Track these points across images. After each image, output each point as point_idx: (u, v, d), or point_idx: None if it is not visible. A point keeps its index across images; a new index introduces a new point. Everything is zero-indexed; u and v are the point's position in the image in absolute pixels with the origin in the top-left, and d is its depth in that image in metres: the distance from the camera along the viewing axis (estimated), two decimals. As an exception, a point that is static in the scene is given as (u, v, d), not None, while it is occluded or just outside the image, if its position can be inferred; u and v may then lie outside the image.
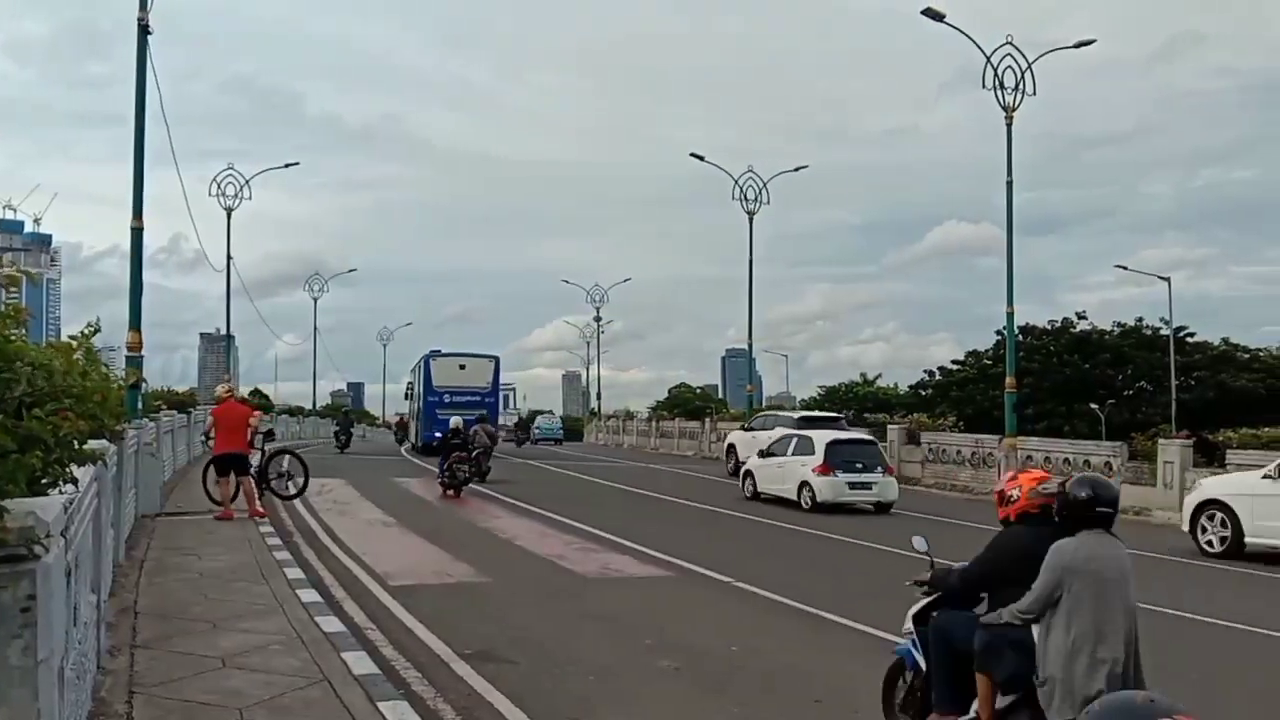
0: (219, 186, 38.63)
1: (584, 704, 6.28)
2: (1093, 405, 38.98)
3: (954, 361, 47.70)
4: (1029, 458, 22.75)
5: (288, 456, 15.30)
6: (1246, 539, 13.86)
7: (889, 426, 28.54)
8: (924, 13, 23.67)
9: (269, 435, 14.74)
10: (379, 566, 11.01)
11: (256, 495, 14.39)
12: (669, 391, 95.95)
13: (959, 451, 25.25)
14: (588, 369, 76.51)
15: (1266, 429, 21.70)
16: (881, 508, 18.94)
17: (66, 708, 4.19)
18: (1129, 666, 4.35)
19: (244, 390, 68.31)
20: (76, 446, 4.42)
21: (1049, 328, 44.69)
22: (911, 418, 30.82)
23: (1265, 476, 14.11)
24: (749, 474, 20.89)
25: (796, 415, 28.40)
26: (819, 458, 18.83)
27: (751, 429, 26.55)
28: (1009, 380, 24.74)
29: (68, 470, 4.33)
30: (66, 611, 4.41)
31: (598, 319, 65.35)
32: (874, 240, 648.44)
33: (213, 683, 6.00)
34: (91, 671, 5.61)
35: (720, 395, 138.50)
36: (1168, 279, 44.01)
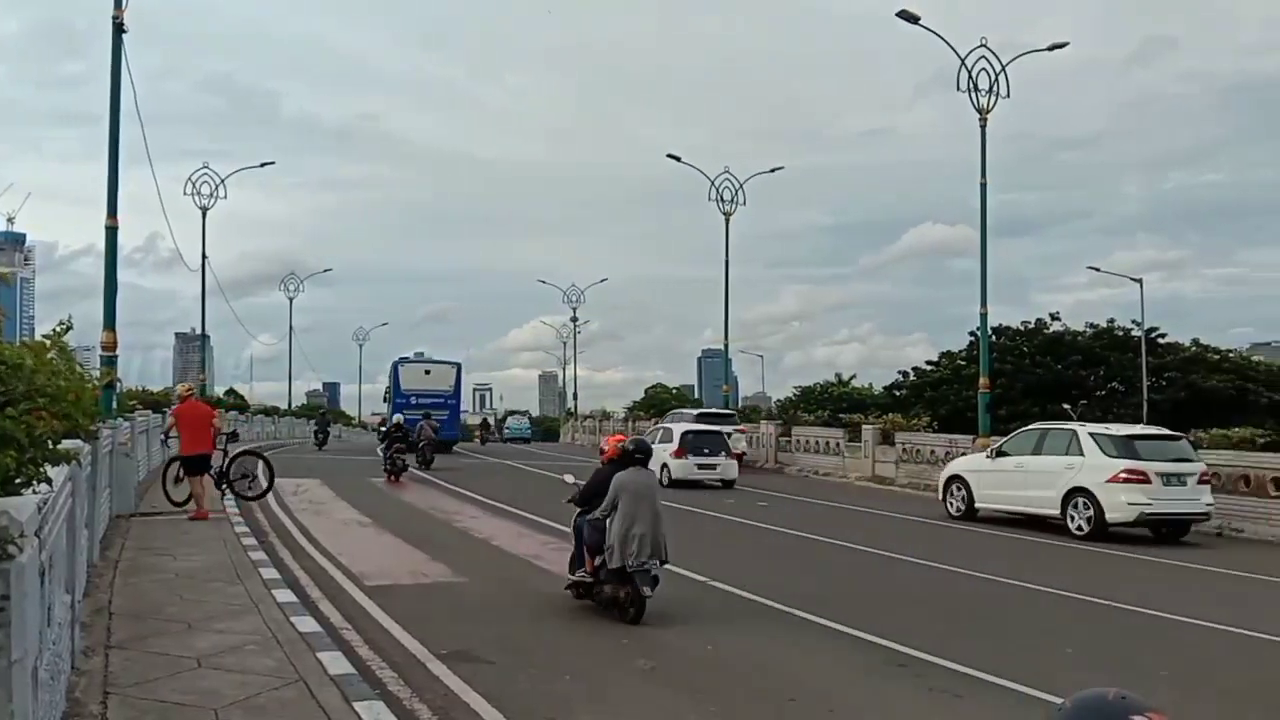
0: (194, 185, 38.43)
1: (560, 703, 6.30)
2: (1065, 406, 39.25)
3: (928, 362, 48.02)
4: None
5: (252, 458, 15.14)
6: (977, 505, 17.97)
7: (864, 427, 28.71)
8: (899, 15, 23.84)
9: (232, 436, 14.62)
10: (355, 566, 10.98)
11: (208, 497, 14.20)
12: (645, 392, 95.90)
13: (933, 451, 25.43)
14: (564, 369, 76.55)
15: (1236, 429, 22.05)
16: (726, 484, 23.57)
17: (41, 708, 4.17)
18: (655, 536, 8.79)
19: (219, 390, 67.86)
20: (50, 446, 4.42)
21: (1022, 329, 45.08)
22: (886, 418, 31.03)
23: (988, 457, 18.33)
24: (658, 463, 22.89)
25: (695, 413, 32.45)
26: (676, 444, 23.82)
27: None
28: (983, 381, 24.96)
29: (42, 470, 4.32)
30: (41, 612, 4.39)
31: (574, 319, 65.41)
32: (850, 241, 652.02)
33: (188, 683, 5.99)
34: (66, 672, 5.58)
35: (696, 395, 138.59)
36: (1139, 280, 44.59)
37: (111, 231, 16.10)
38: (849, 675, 7.29)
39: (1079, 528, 15.97)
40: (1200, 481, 16.10)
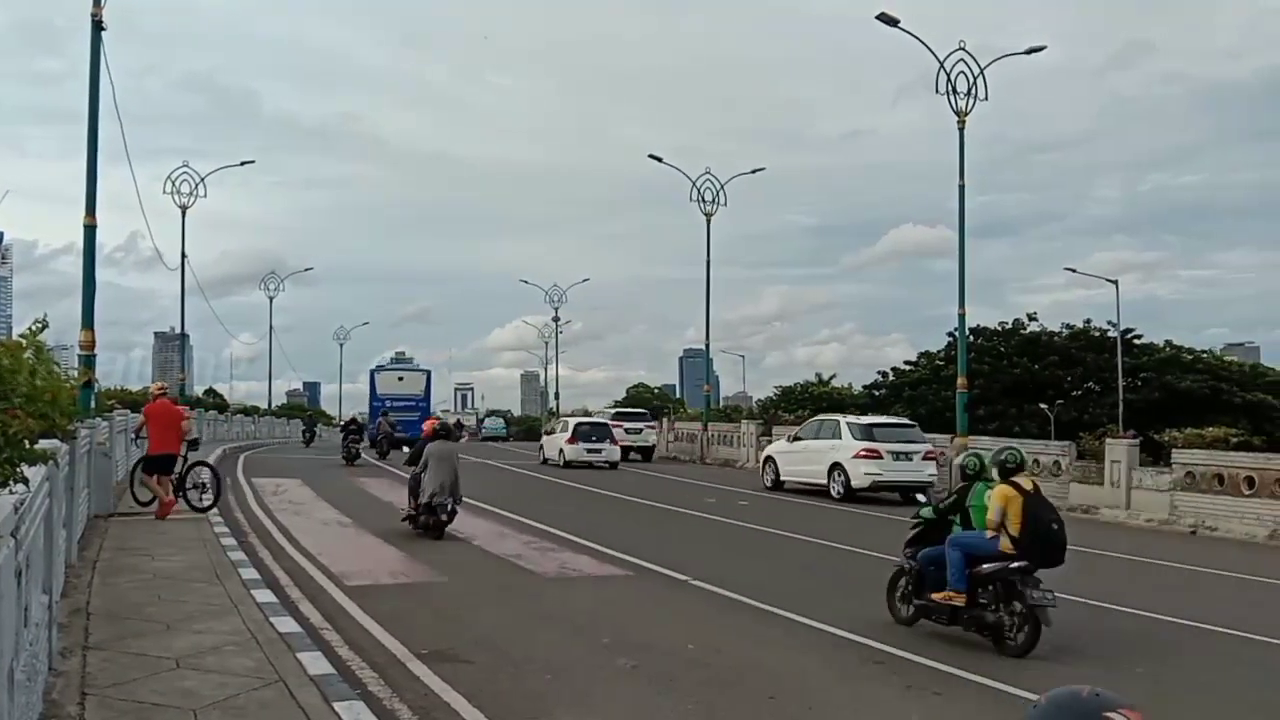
0: (174, 184, 38.15)
1: (541, 703, 6.32)
2: (1042, 405, 39.73)
3: (907, 362, 48.32)
4: (980, 457, 23.16)
5: (205, 469, 14.89)
6: (783, 478, 22.91)
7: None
8: (878, 18, 23.97)
9: (193, 444, 14.42)
10: (335, 567, 10.94)
11: (168, 495, 14.01)
12: (627, 391, 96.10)
13: (913, 451, 25.60)
14: (546, 369, 76.52)
15: (1210, 429, 22.35)
16: (611, 465, 29.22)
17: (17, 710, 4.16)
18: (451, 484, 13.38)
19: (199, 390, 67.27)
20: (27, 446, 4.40)
21: (1000, 329, 45.43)
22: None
23: (787, 441, 23.55)
24: (557, 449, 30.65)
25: (613, 411, 39.41)
26: (570, 434, 29.86)
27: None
28: (960, 380, 25.14)
29: (18, 470, 4.30)
30: (17, 612, 4.37)
31: (556, 319, 65.48)
32: (832, 242, 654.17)
33: (166, 684, 5.96)
34: (43, 673, 5.55)
35: (678, 395, 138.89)
36: (1115, 282, 45.03)
37: (90, 230, 15.95)
38: (828, 673, 7.35)
39: (837, 492, 20.80)
40: (925, 458, 21.01)
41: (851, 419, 23.14)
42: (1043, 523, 8.02)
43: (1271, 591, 11.95)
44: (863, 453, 20.62)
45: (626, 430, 34.01)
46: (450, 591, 10.02)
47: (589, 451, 29.31)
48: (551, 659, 7.36)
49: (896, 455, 20.76)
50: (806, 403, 44.70)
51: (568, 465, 28.75)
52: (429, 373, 45.91)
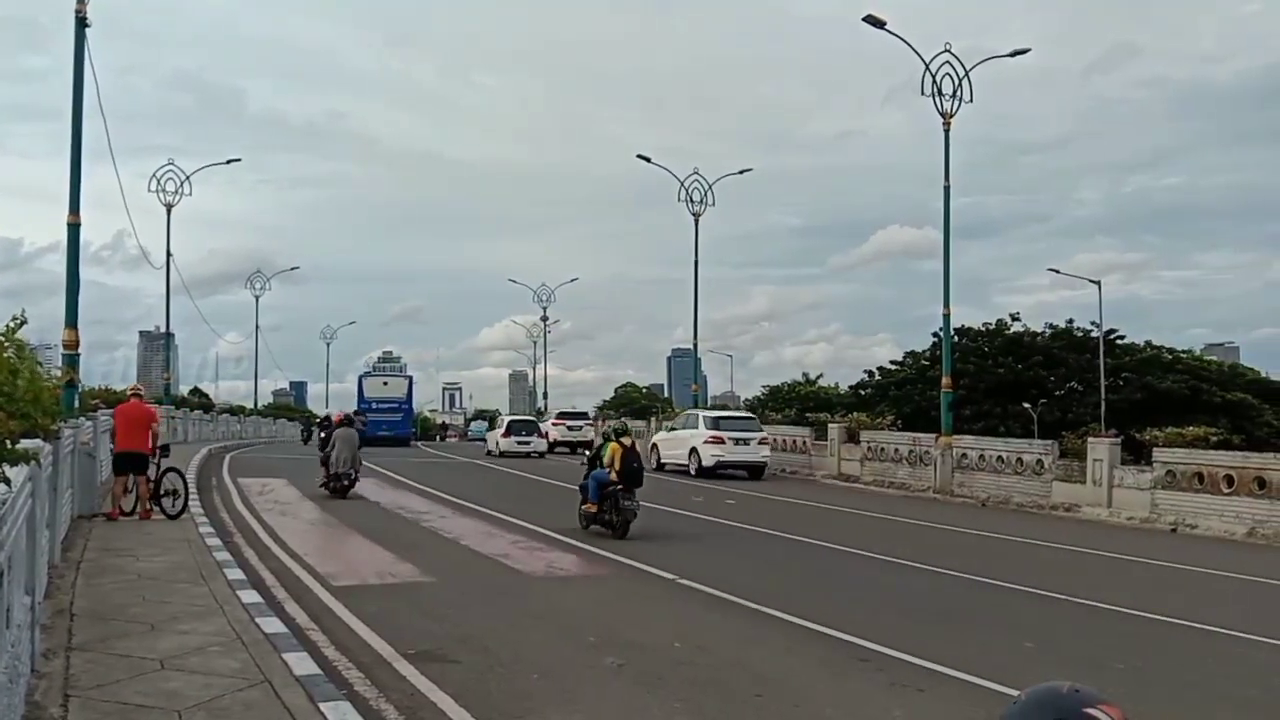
0: (159, 182, 38.01)
1: (528, 702, 6.33)
2: (1026, 405, 39.94)
3: (893, 362, 48.42)
4: (964, 455, 23.32)
5: (176, 475, 14.74)
6: (663, 460, 27.89)
7: (829, 425, 28.96)
8: (865, 19, 24.08)
9: (164, 450, 14.28)
10: (321, 567, 10.92)
11: (148, 497, 13.91)
12: (615, 391, 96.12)
13: (897, 450, 25.73)
14: (534, 368, 76.46)
15: (1190, 428, 22.54)
16: (539, 455, 34.89)
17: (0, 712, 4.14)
18: (352, 459, 18.66)
19: (184, 389, 66.89)
20: (8, 446, 4.39)
21: (984, 330, 45.64)
22: (851, 417, 31.34)
23: (666, 431, 29.33)
24: (495, 441, 36.84)
25: (557, 412, 46.80)
26: (503, 430, 36.63)
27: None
28: (945, 380, 25.29)
29: (0, 470, 4.29)
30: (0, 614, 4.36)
31: (544, 318, 65.49)
32: (819, 243, 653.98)
33: (151, 685, 5.93)
34: (25, 675, 5.52)
35: (666, 394, 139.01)
36: (1098, 282, 45.33)
37: (74, 228, 15.85)
38: (814, 671, 7.39)
39: (693, 470, 26.42)
40: (759, 443, 26.66)
41: (705, 412, 30.07)
42: (629, 464, 14.12)
43: (1250, 588, 12.08)
44: (710, 439, 26.16)
45: (569, 427, 40.59)
46: (437, 591, 10.02)
47: (519, 443, 35.42)
48: (539, 658, 7.37)
49: (737, 441, 26.26)
50: (794, 402, 44.84)
51: (502, 455, 34.77)
52: (411, 378, 52.23)
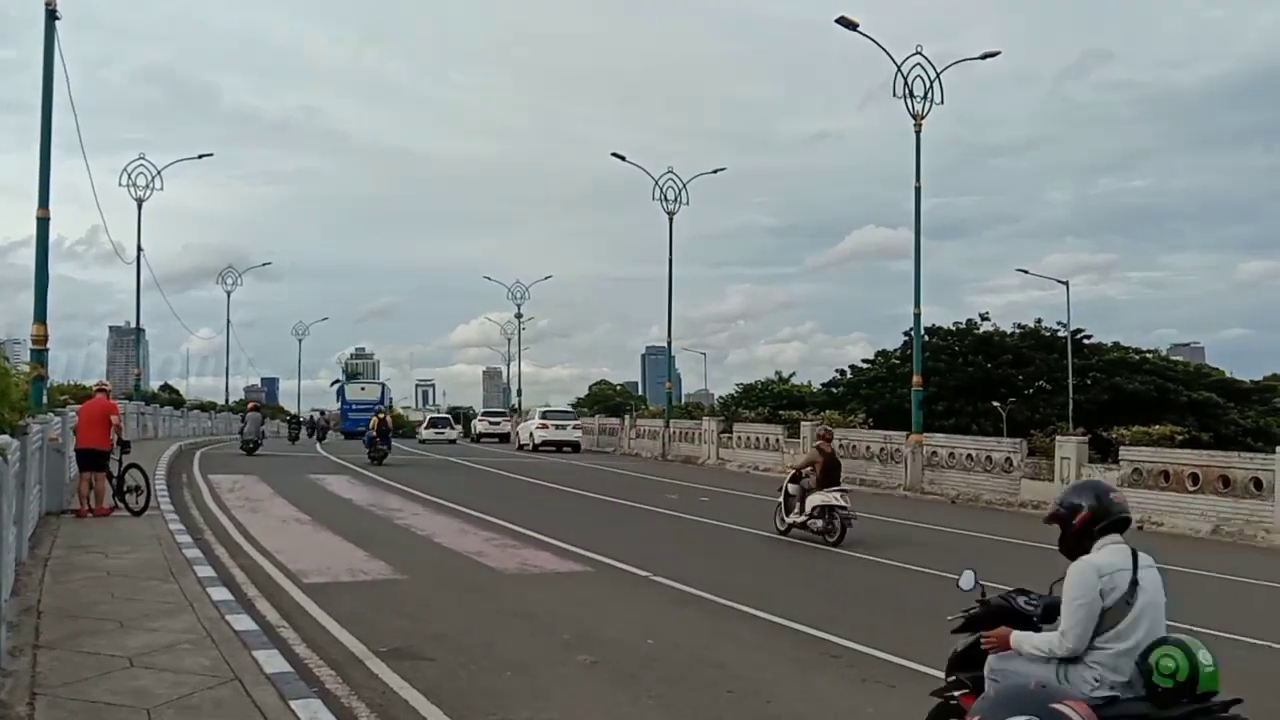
0: (129, 176, 37.67)
1: (501, 700, 6.34)
2: (995, 403, 40.37)
3: (864, 360, 48.81)
4: (934, 453, 23.55)
5: (138, 471, 14.61)
6: (522, 442, 40.88)
7: (802, 423, 29.13)
8: (838, 21, 24.22)
9: (125, 446, 14.16)
10: (293, 564, 10.87)
11: (108, 494, 13.78)
12: (590, 388, 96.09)
13: (868, 447, 25.94)
14: (508, 366, 76.31)
15: (1156, 426, 22.86)
16: (450, 442, 47.01)
17: (-31, 710, 4.11)
18: (257, 434, 30.72)
19: (154, 385, 66.17)
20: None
21: (954, 329, 46.06)
22: (823, 415, 31.54)
23: (537, 420, 40.61)
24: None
25: (485, 411, 70.06)
26: (426, 423, 54.04)
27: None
28: (916, 379, 25.50)
29: (-30, 467, 4.24)
30: (-31, 612, 4.31)
31: (519, 315, 65.48)
32: (794, 242, 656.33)
33: (119, 683, 5.89)
34: (-8, 674, 5.46)
35: (640, 392, 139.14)
36: (1066, 283, 45.91)
37: (43, 222, 15.66)
38: (785, 667, 7.45)
39: (528, 447, 39.33)
40: (574, 428, 40.23)
41: (541, 408, 44.53)
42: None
43: (1213, 584, 12.30)
44: (539, 426, 39.93)
45: (491, 422, 54.04)
46: (410, 589, 10.00)
47: (435, 434, 48.78)
48: (511, 656, 7.38)
49: (558, 426, 40.02)
50: (767, 400, 44.95)
51: (422, 443, 45.71)
52: (384, 384, 66.34)
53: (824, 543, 13.65)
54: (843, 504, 13.81)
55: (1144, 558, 3.69)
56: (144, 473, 14.63)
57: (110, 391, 16.06)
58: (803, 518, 14.06)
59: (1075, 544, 3.77)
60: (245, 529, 13.61)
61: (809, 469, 14.39)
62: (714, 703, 6.47)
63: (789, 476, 14.86)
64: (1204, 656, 3.29)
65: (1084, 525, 3.74)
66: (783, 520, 14.45)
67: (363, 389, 59.01)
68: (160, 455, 23.29)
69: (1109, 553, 3.66)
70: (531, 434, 39.55)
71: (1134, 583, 3.54)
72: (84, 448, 13.73)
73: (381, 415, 29.68)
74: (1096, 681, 3.21)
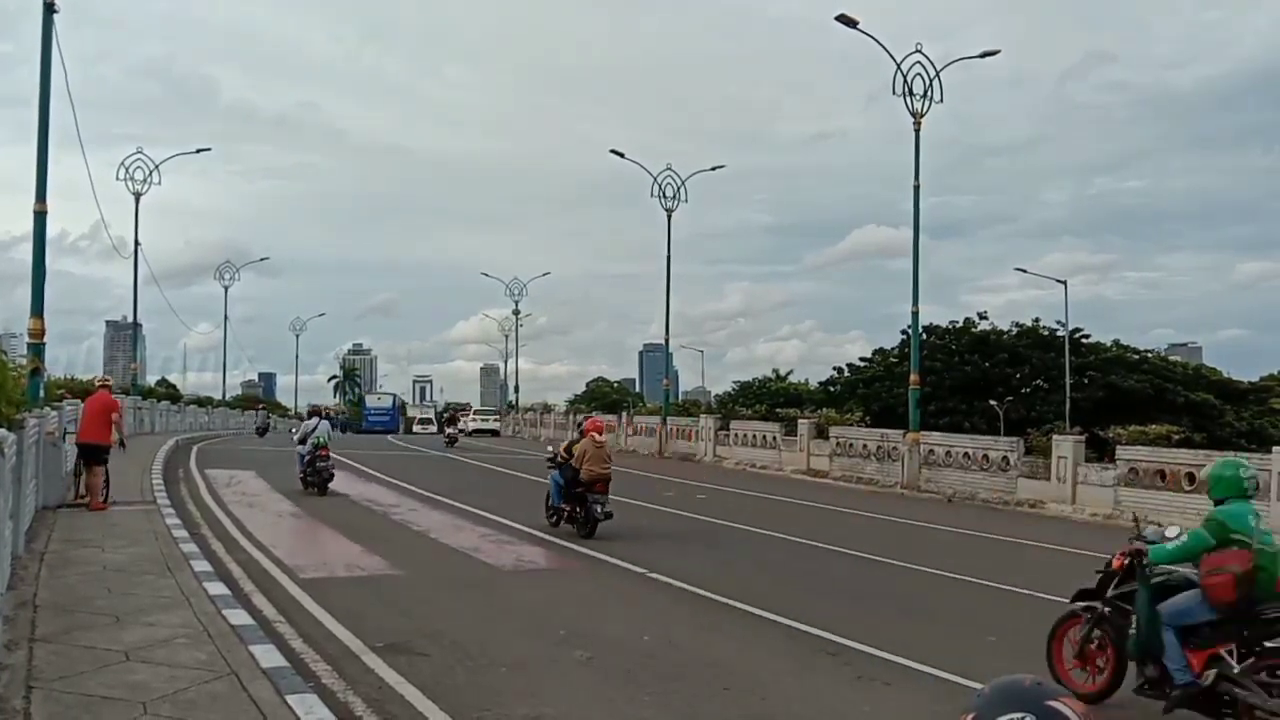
0: (127, 171, 37.62)
1: (497, 696, 6.35)
2: (992, 402, 40.40)
3: (862, 359, 48.82)
4: (931, 451, 23.58)
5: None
6: (468, 432, 53.36)
7: (799, 421, 29.14)
8: (837, 19, 24.21)
9: (122, 446, 14.24)
10: (289, 559, 10.87)
11: (101, 489, 13.78)
12: (587, 385, 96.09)
13: (865, 445, 25.95)
14: (506, 362, 76.39)
15: (1153, 426, 22.92)
16: (390, 432, 63.80)
17: (-36, 702, 4.11)
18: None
19: (151, 380, 66.17)
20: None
21: (951, 328, 46.09)
22: (821, 413, 31.56)
23: (474, 418, 61.00)
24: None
25: (471, 405, 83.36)
26: (417, 421, 70.93)
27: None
28: (913, 377, 25.53)
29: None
30: (-35, 605, 4.31)
31: (516, 312, 65.56)
32: (794, 241, 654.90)
33: (115, 677, 5.89)
34: (-12, 667, 5.46)
35: (637, 389, 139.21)
36: (1064, 282, 45.90)
37: (40, 216, 15.64)
38: (781, 664, 7.46)
39: (457, 438, 40.52)
40: (495, 420, 60.68)
41: (476, 406, 75.04)
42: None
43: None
44: (473, 418, 58.96)
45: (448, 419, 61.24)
46: (406, 584, 10.01)
47: (421, 429, 62.94)
48: (507, 652, 7.40)
49: (485, 418, 59.84)
50: (764, 398, 45.00)
51: (408, 433, 62.42)
52: (395, 395, 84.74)
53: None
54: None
55: None
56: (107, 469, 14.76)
57: (112, 387, 16.11)
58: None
59: None
60: (242, 524, 13.61)
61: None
62: (710, 699, 6.48)
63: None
64: None
65: None
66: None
67: (379, 398, 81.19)
68: (157, 450, 23.27)
69: None
70: (464, 425, 51.22)
71: None
72: (84, 442, 13.83)
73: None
74: None
